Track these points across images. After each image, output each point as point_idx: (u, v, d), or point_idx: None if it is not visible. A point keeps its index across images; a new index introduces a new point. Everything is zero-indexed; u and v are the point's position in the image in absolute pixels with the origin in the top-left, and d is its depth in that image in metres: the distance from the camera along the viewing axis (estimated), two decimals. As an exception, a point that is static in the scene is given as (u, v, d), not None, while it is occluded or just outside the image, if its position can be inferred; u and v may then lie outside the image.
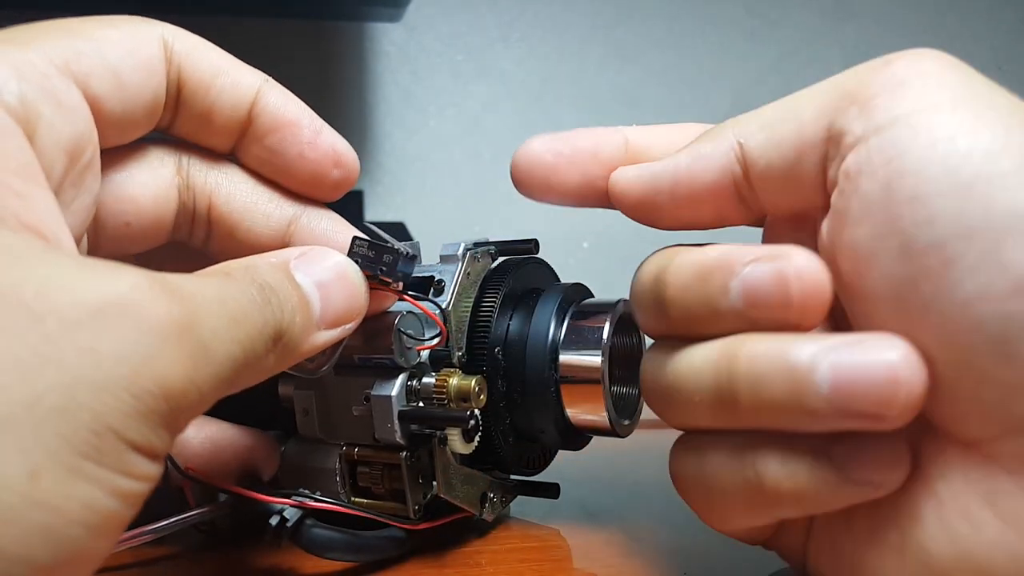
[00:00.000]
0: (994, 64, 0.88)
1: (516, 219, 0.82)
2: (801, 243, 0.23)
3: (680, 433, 0.26)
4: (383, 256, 0.26)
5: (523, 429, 0.31)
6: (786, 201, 0.25)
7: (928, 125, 0.21)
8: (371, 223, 0.27)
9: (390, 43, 0.80)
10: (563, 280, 0.34)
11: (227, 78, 0.26)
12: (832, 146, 0.23)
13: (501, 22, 0.81)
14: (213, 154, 0.28)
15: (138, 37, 0.25)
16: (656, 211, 0.27)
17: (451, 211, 0.81)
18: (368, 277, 0.26)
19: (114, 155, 0.26)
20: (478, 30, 0.81)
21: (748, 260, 0.23)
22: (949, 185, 0.20)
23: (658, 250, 0.27)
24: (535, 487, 0.34)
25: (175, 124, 0.27)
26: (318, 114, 0.28)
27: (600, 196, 0.28)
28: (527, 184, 0.29)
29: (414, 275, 0.28)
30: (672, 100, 0.84)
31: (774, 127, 0.24)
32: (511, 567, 0.29)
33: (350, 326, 0.25)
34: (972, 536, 0.20)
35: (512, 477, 0.33)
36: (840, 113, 0.23)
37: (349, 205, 0.27)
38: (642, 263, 0.27)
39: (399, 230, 0.66)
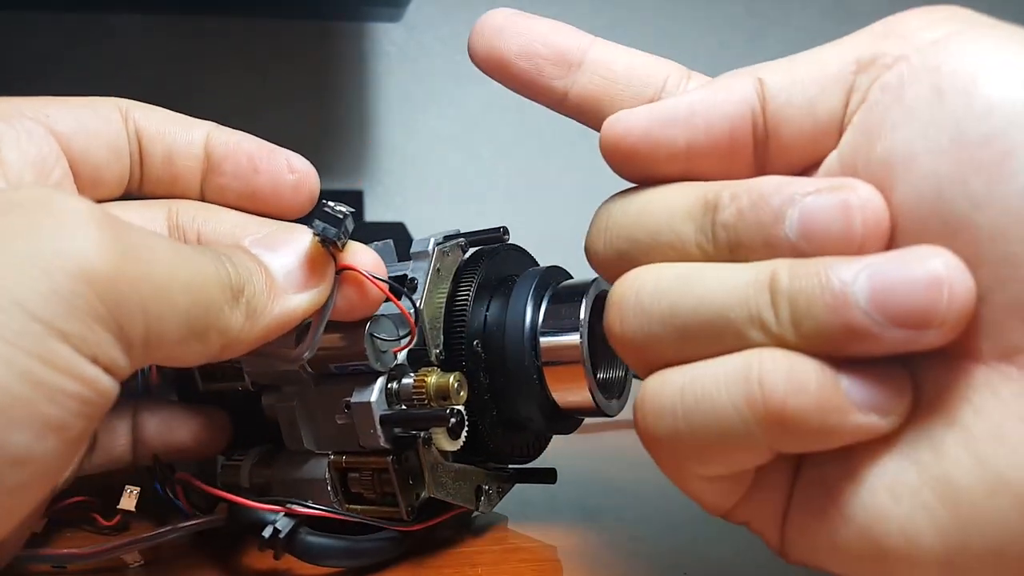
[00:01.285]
0: (994, 64, 0.88)
1: (517, 219, 0.81)
2: None
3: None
4: (342, 223, 0.26)
5: (511, 418, 0.31)
6: (799, 143, 0.24)
7: (976, 37, 0.21)
8: (329, 202, 0.27)
9: (390, 43, 0.80)
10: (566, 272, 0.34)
11: (178, 125, 0.30)
12: (862, 72, 0.22)
13: (501, 22, 0.81)
14: (195, 200, 0.30)
15: (95, 100, 0.29)
16: (663, 151, 0.25)
17: (451, 211, 0.81)
18: (324, 242, 0.25)
19: (107, 207, 0.28)
20: (478, 30, 0.80)
21: (809, 190, 0.21)
22: (1005, 80, 0.20)
23: (662, 187, 0.25)
24: (531, 474, 0.33)
25: (144, 180, 0.30)
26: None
27: (541, 82, 0.27)
28: (473, 44, 0.28)
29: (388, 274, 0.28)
30: (672, 100, 0.84)
31: (793, 67, 0.24)
32: (510, 567, 0.29)
33: (322, 289, 0.26)
34: (1008, 457, 0.19)
35: (508, 466, 0.33)
36: (872, 46, 0.22)
37: (349, 205, 0.27)
38: (644, 193, 0.25)
39: (399, 230, 0.66)
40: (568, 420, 0.33)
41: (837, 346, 0.20)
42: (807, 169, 0.24)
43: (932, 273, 0.19)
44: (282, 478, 0.31)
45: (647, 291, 0.23)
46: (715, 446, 0.22)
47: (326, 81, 0.77)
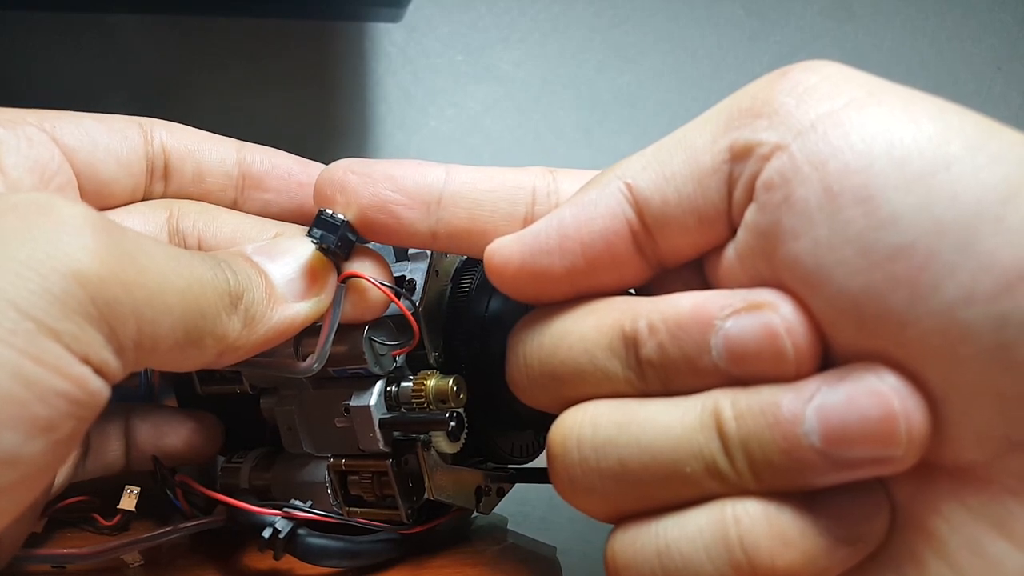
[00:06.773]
0: (994, 64, 0.88)
1: (516, 219, 0.81)
2: (689, 287, 0.22)
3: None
4: (339, 230, 0.26)
5: (510, 418, 0.31)
6: (689, 240, 0.22)
7: (858, 119, 0.19)
8: (327, 209, 0.27)
9: (391, 43, 0.80)
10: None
11: (209, 143, 0.29)
12: (738, 163, 0.21)
13: (501, 23, 0.81)
14: (201, 203, 0.29)
15: (113, 116, 0.29)
16: (545, 278, 0.24)
17: (451, 211, 0.81)
18: (325, 251, 0.26)
19: (112, 212, 0.28)
20: (478, 30, 0.81)
21: (727, 311, 0.20)
22: (902, 179, 0.18)
23: (574, 305, 0.24)
24: (531, 474, 0.33)
25: (168, 192, 0.29)
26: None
27: (404, 229, 0.25)
28: (317, 199, 0.26)
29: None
30: (672, 101, 0.84)
31: (663, 162, 0.22)
32: (510, 567, 0.29)
33: (323, 298, 0.25)
34: (989, 571, 0.18)
35: (507, 467, 0.33)
36: (743, 128, 0.21)
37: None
38: (553, 317, 0.24)
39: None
40: None
41: (801, 484, 0.20)
42: (707, 253, 0.23)
43: (885, 409, 0.18)
44: (281, 480, 0.31)
45: (588, 444, 0.22)
46: None
47: (326, 81, 0.77)
